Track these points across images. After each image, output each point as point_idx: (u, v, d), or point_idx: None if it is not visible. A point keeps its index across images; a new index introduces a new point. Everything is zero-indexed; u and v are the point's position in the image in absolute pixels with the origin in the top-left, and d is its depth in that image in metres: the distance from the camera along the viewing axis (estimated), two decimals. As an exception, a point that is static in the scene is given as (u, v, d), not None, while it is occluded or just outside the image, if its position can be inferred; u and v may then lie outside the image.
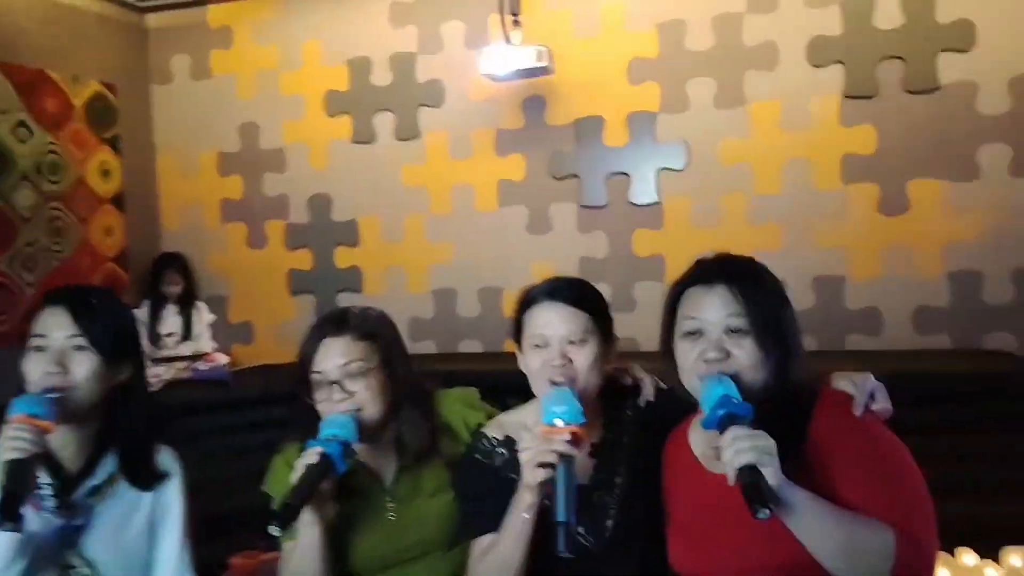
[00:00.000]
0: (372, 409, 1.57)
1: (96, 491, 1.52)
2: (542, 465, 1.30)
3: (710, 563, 1.35)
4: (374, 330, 1.63)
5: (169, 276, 3.89)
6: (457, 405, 1.73)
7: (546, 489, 1.32)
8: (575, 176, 3.74)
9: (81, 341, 1.49)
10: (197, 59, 4.20)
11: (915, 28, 3.34)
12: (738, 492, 1.22)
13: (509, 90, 3.73)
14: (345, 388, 1.56)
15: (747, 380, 1.29)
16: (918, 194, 3.39)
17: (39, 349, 1.48)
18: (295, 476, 1.46)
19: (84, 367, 1.48)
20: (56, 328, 1.49)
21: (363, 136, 4.00)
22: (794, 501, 1.16)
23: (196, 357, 3.88)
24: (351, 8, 3.98)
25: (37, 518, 1.43)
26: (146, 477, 1.56)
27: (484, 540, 1.49)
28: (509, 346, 4.08)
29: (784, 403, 1.28)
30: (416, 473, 1.65)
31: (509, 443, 1.55)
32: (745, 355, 1.31)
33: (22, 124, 3.41)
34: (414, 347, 3.93)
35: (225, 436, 3.65)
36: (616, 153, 3.69)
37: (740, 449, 1.15)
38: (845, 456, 1.27)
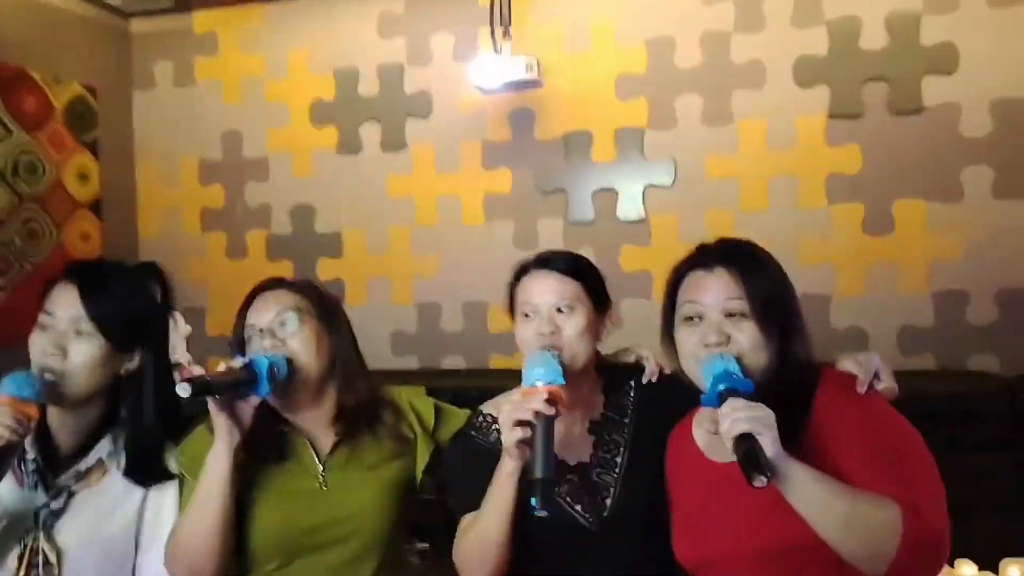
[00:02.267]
0: (306, 357, 1.51)
1: (82, 476, 1.44)
2: (520, 424, 1.30)
3: (713, 550, 1.35)
4: (310, 285, 1.62)
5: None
6: (404, 391, 1.70)
7: (524, 451, 1.32)
8: (562, 191, 3.73)
9: (85, 325, 1.42)
10: (181, 65, 4.15)
11: (900, 50, 3.38)
12: (740, 478, 1.21)
13: (497, 103, 3.73)
14: (276, 335, 1.52)
15: (748, 363, 1.31)
16: (903, 214, 3.41)
17: (43, 328, 1.42)
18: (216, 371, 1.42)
19: (84, 353, 1.41)
20: (63, 307, 1.42)
21: (349, 146, 3.97)
22: (792, 472, 1.15)
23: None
24: (339, 18, 3.96)
25: (17, 494, 1.37)
26: (148, 473, 1.48)
27: (469, 517, 1.47)
28: (495, 362, 4.03)
29: (786, 383, 1.28)
30: (357, 444, 1.59)
31: None
32: (746, 338, 1.32)
33: (0, 122, 3.33)
34: (396, 362, 3.88)
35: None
36: (604, 168, 3.69)
37: (736, 419, 1.15)
38: (848, 434, 1.27)
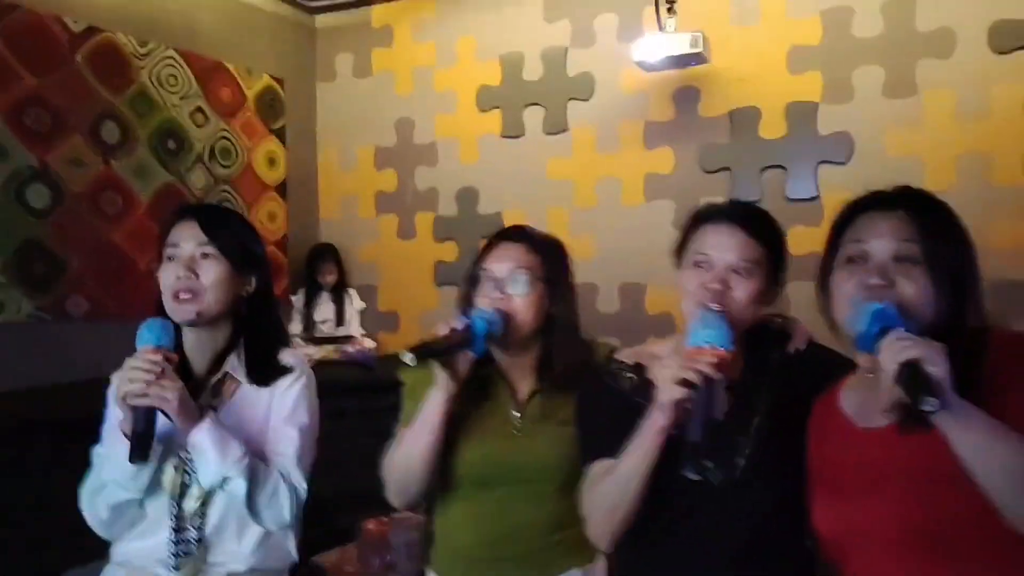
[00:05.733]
0: (524, 316, 1.62)
1: (217, 392, 1.62)
2: (683, 384, 1.23)
3: (859, 522, 1.23)
4: (547, 248, 1.68)
5: (324, 267, 4.10)
6: (607, 351, 1.72)
7: (680, 411, 1.25)
8: (727, 169, 3.61)
9: (209, 249, 1.60)
10: (360, 57, 4.39)
11: (1119, 8, 3.01)
12: (890, 447, 1.11)
13: (660, 81, 3.66)
14: (505, 289, 1.60)
15: (911, 315, 1.16)
16: (1116, 191, 3.04)
17: (171, 258, 1.61)
18: (437, 332, 1.51)
19: (212, 272, 1.58)
20: (187, 238, 1.61)
21: (512, 130, 4.04)
22: (962, 406, 1.03)
23: (345, 339, 4.02)
24: (506, 4, 4.04)
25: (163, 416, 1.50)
26: (265, 372, 1.63)
27: (602, 464, 1.44)
28: (650, 344, 3.96)
29: (953, 345, 1.10)
30: (552, 398, 1.66)
31: (639, 369, 1.50)
32: (912, 287, 1.17)
33: (199, 110, 3.67)
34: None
35: (366, 417, 3.75)
36: (773, 145, 3.53)
37: (903, 347, 1.03)
38: (1019, 398, 1.12)
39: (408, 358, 1.45)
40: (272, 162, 4.09)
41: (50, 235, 3.11)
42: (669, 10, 3.44)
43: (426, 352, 1.48)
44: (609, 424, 1.42)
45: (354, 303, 4.22)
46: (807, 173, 3.47)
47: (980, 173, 3.21)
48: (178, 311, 1.56)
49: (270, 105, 4.08)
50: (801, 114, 3.48)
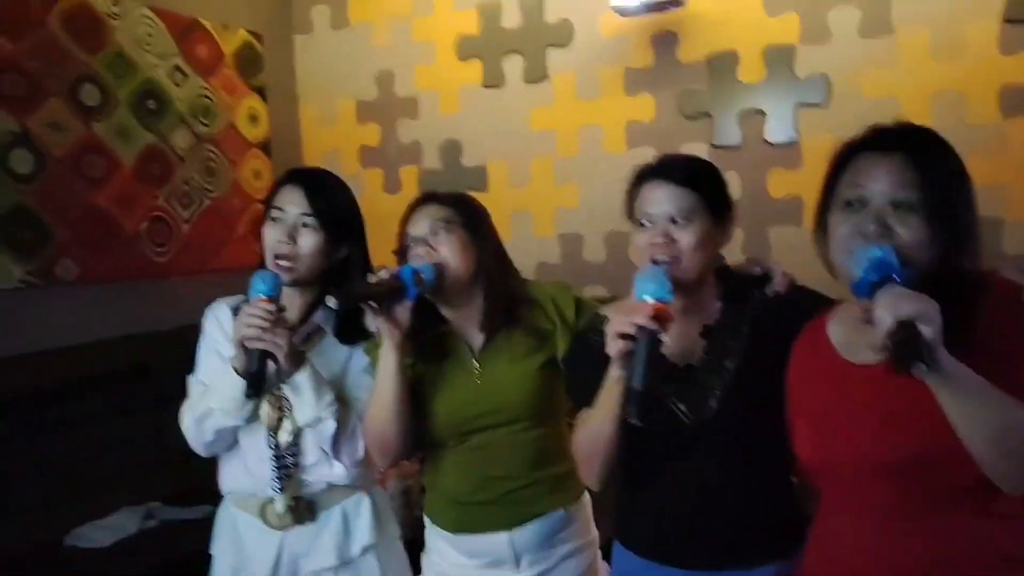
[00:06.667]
0: (456, 261, 1.72)
1: (307, 339, 1.82)
2: (622, 337, 1.33)
3: (840, 455, 1.28)
4: (459, 199, 1.79)
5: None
6: (548, 287, 1.81)
7: (628, 361, 1.35)
8: (707, 115, 3.63)
9: (310, 220, 1.76)
10: (336, 9, 4.35)
11: (1093, -59, 3.02)
12: (875, 381, 1.15)
13: (639, 26, 3.66)
14: (429, 243, 1.69)
15: (908, 262, 1.17)
16: (1089, 127, 3.08)
17: (275, 220, 1.78)
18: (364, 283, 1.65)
19: (310, 241, 1.76)
20: (292, 204, 1.80)
21: (492, 80, 4.03)
22: (952, 368, 1.04)
23: (334, 296, 4.07)
24: (483, -48, 4.00)
25: None
26: (351, 333, 1.82)
27: (584, 414, 1.54)
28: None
29: (948, 292, 1.12)
30: (504, 339, 1.76)
31: None
32: (910, 233, 1.19)
33: (178, 69, 3.65)
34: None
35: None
36: (751, 89, 3.55)
37: (899, 304, 1.04)
38: (1013, 347, 1.14)
39: (331, 302, 1.57)
40: (254, 119, 4.09)
41: (35, 200, 3.12)
42: (646, -46, 3.42)
43: (351, 297, 1.61)
44: (590, 375, 1.50)
45: (342, 258, 4.26)
46: (786, 116, 3.50)
47: (955, 111, 3.24)
48: (276, 272, 1.75)
49: (249, 61, 4.06)
50: (779, 57, 3.49)
